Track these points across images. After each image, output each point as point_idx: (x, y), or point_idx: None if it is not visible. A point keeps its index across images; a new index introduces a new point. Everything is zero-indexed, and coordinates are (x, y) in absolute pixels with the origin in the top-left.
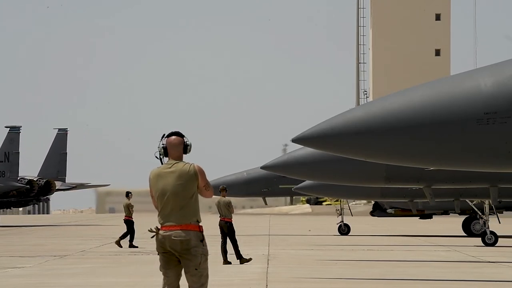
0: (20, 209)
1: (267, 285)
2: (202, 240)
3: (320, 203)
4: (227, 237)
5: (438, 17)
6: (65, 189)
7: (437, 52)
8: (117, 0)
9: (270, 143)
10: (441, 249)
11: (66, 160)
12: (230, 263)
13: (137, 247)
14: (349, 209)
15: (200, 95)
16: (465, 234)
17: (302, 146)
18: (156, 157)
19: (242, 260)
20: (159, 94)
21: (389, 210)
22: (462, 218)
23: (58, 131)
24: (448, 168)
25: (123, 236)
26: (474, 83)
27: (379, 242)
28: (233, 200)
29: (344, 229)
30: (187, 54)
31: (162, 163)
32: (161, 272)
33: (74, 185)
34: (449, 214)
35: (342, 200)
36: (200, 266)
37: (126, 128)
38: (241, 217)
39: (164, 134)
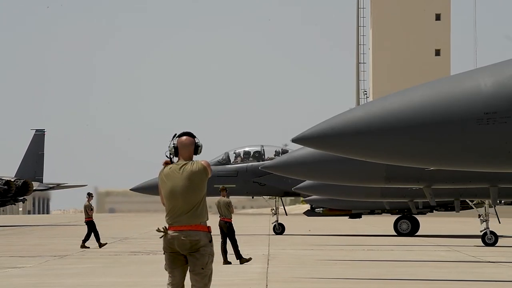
0: (20, 209)
1: (267, 285)
2: (211, 240)
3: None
4: (227, 237)
5: (438, 17)
6: (42, 190)
7: (437, 52)
8: (117, 0)
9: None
10: (441, 249)
11: (43, 161)
12: (230, 263)
13: (88, 247)
14: (284, 208)
15: (200, 95)
16: (395, 234)
17: (302, 146)
18: (166, 156)
19: (242, 260)
20: (159, 94)
21: (317, 210)
22: (460, 218)
23: (36, 132)
24: (448, 168)
25: (86, 239)
26: (474, 83)
27: (379, 242)
28: (234, 200)
29: (278, 228)
30: (187, 54)
31: (172, 163)
32: (167, 272)
33: (52, 186)
34: (375, 213)
35: (276, 199)
36: (207, 266)
37: (126, 128)
38: (241, 217)
39: (175, 134)
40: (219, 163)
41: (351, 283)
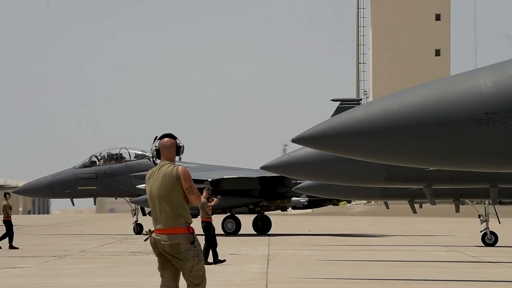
0: (20, 208)
1: (267, 285)
2: (193, 242)
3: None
4: (209, 237)
5: (438, 17)
6: None
7: (437, 52)
8: (117, 0)
9: (270, 143)
10: (441, 249)
11: None
12: (209, 263)
13: (17, 248)
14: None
15: (200, 95)
16: (255, 232)
17: (302, 146)
18: (148, 159)
19: (216, 261)
20: (159, 94)
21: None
22: (460, 218)
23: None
24: (448, 168)
25: (2, 237)
26: (474, 83)
27: (379, 242)
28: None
29: (137, 229)
30: (187, 54)
31: (155, 165)
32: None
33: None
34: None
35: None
36: (194, 268)
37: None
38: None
39: (156, 136)
40: (84, 165)
41: (351, 283)
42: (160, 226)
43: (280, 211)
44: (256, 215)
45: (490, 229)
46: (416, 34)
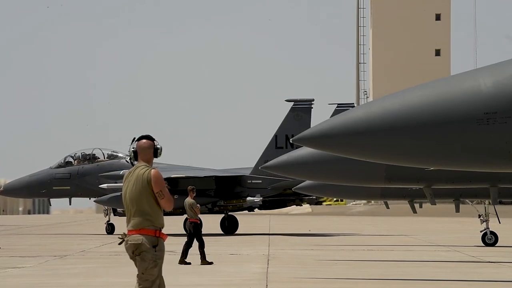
0: (20, 208)
1: (267, 285)
2: (156, 245)
3: (320, 203)
4: (194, 238)
5: (438, 17)
6: None
7: (437, 52)
8: (117, 0)
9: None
10: (441, 249)
11: None
12: (188, 263)
13: None
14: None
15: (200, 95)
16: (222, 232)
17: (302, 146)
18: (126, 161)
19: (203, 262)
20: (159, 94)
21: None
22: (460, 218)
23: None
24: (448, 168)
25: None
26: (474, 83)
27: (379, 242)
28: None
29: (108, 229)
30: (187, 54)
31: (132, 166)
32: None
33: None
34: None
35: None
36: (147, 271)
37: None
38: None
39: (134, 138)
40: (59, 166)
41: (351, 283)
42: (130, 228)
43: (237, 211)
44: (222, 215)
45: (490, 229)
46: (416, 34)
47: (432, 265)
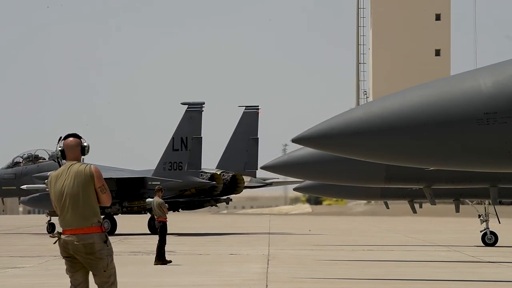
0: (20, 209)
1: (267, 285)
2: (106, 240)
3: (320, 203)
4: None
5: (438, 17)
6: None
7: (437, 52)
8: (117, 0)
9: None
10: (441, 249)
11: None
12: (168, 262)
13: None
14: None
15: (200, 95)
16: (149, 232)
17: (302, 146)
18: (53, 160)
19: (159, 262)
20: (159, 94)
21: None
22: (460, 218)
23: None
24: (448, 168)
25: None
26: (474, 83)
27: (379, 242)
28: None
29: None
30: (187, 54)
31: (60, 166)
32: (68, 276)
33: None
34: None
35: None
36: (108, 267)
37: (126, 128)
38: (241, 217)
39: (61, 137)
40: (8, 166)
41: (351, 283)
42: (72, 227)
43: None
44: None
45: (490, 229)
46: (416, 34)
47: (432, 265)
